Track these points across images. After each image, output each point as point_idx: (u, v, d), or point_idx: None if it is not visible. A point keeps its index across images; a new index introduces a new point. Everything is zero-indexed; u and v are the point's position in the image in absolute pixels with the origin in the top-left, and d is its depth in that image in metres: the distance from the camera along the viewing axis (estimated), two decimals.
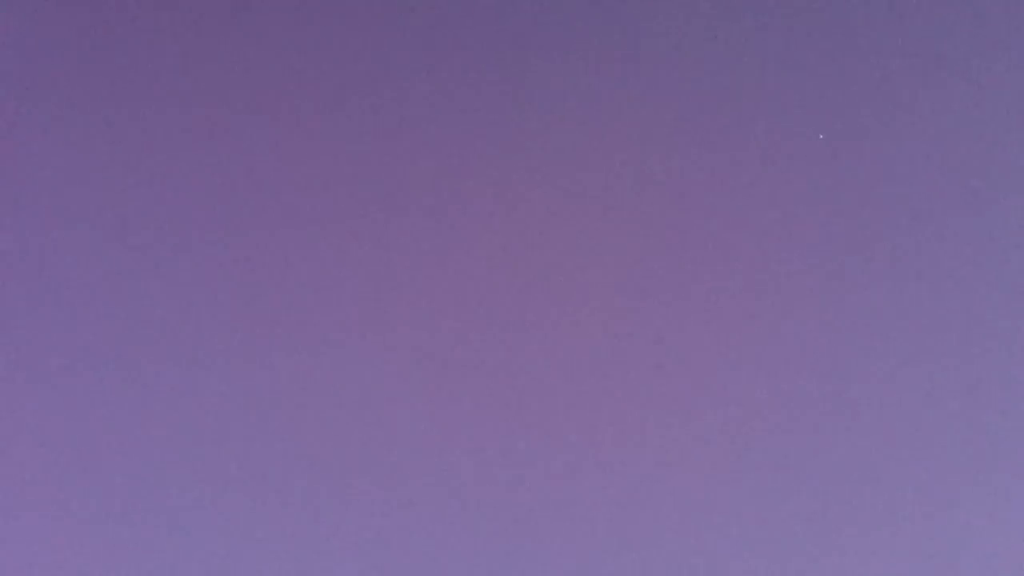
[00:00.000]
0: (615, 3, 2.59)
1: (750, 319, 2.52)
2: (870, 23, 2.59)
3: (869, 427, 2.49)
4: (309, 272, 2.54)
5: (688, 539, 2.47)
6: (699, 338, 2.52)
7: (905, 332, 2.51)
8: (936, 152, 2.56)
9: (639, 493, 2.48)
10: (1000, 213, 2.54)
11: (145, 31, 2.59)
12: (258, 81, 2.59)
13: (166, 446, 2.50)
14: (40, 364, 2.51)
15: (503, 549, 2.47)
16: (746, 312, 2.52)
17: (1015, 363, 2.49)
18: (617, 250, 2.55)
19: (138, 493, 2.49)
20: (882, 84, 2.57)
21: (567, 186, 2.56)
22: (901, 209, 2.55)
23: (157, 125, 2.58)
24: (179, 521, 2.48)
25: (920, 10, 2.59)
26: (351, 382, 2.52)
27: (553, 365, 2.52)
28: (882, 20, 2.59)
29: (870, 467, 2.48)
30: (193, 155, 2.57)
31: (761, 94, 2.58)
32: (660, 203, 2.56)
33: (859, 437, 2.48)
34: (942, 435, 2.48)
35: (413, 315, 2.53)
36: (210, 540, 2.47)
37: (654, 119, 2.57)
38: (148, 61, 2.59)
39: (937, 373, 2.50)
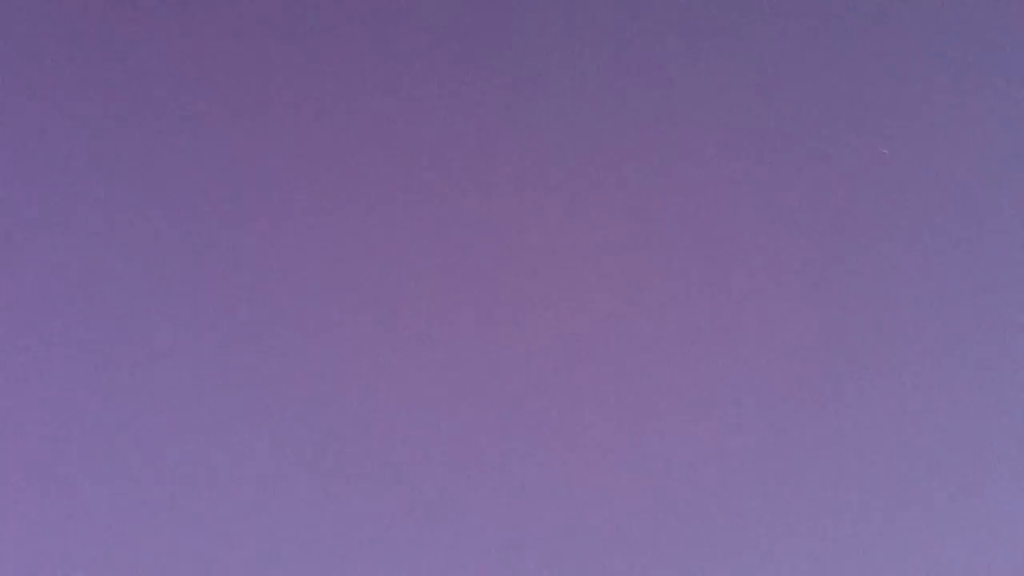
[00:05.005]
0: (615, 3, 2.59)
1: (751, 319, 2.52)
2: (870, 23, 2.59)
3: (870, 429, 2.49)
4: (309, 271, 2.54)
5: (690, 540, 2.47)
6: (700, 338, 2.52)
7: (906, 332, 2.52)
8: (937, 152, 2.56)
9: (639, 494, 2.48)
10: (1000, 213, 2.54)
11: (142, 29, 2.59)
12: (257, 80, 2.58)
13: (166, 444, 2.49)
14: (38, 363, 2.51)
15: (503, 550, 2.47)
16: (747, 312, 2.53)
17: (1015, 363, 2.50)
18: (617, 251, 2.55)
19: (136, 493, 2.48)
20: (883, 84, 2.58)
21: (568, 186, 2.56)
22: (903, 210, 2.55)
23: (157, 124, 2.57)
24: (177, 522, 2.47)
25: (921, 10, 2.59)
26: (350, 382, 2.51)
27: (553, 365, 2.52)
28: (883, 20, 2.59)
29: (872, 468, 2.48)
30: (193, 154, 2.57)
31: (761, 94, 2.58)
32: (660, 203, 2.56)
33: (860, 439, 2.49)
34: (943, 436, 2.48)
35: (414, 315, 2.53)
36: (209, 540, 2.47)
37: (654, 119, 2.58)
38: (146, 59, 2.59)
39: (937, 374, 2.50)
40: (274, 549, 2.47)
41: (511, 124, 2.58)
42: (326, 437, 2.50)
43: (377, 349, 2.53)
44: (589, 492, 2.48)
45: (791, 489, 2.48)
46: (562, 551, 2.47)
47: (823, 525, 2.47)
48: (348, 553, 2.47)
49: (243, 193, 2.56)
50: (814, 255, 2.54)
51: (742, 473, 2.48)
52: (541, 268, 2.55)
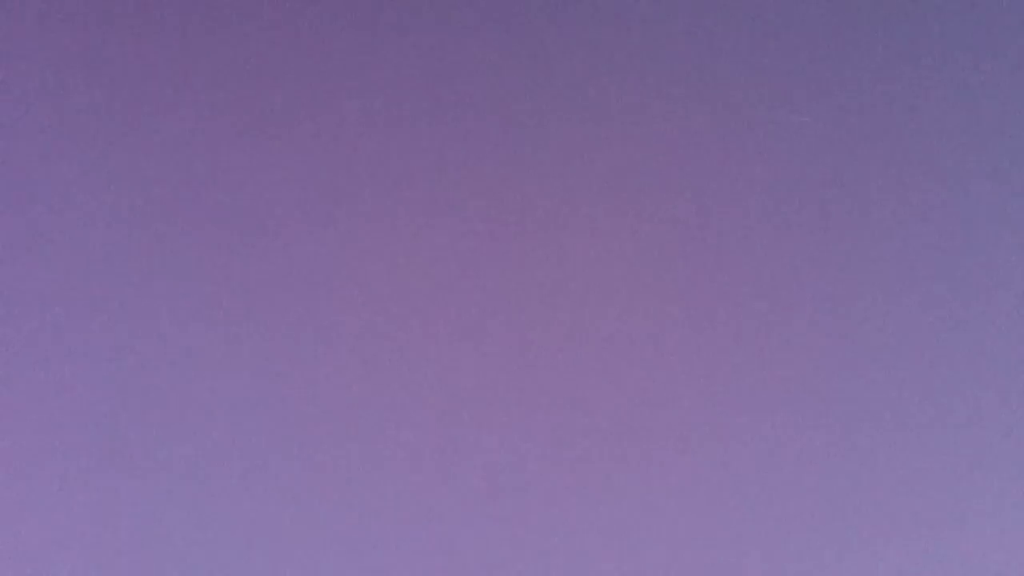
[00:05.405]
0: (615, 3, 2.60)
1: (751, 320, 2.52)
2: (870, 23, 2.59)
3: (871, 431, 2.49)
4: (308, 272, 2.54)
5: (690, 542, 2.47)
6: (701, 339, 2.52)
7: (907, 333, 2.52)
8: (937, 152, 2.56)
9: (639, 496, 2.48)
10: (1000, 214, 2.54)
11: (139, 29, 2.59)
12: (255, 82, 2.59)
13: (165, 448, 2.49)
14: (37, 365, 2.51)
15: (503, 552, 2.47)
16: (747, 313, 2.53)
17: (1015, 364, 2.50)
18: (617, 252, 2.55)
19: (136, 497, 2.49)
20: (884, 84, 2.58)
21: (567, 186, 2.56)
22: (905, 211, 2.55)
23: (154, 126, 2.58)
24: (177, 525, 2.47)
25: (920, 9, 2.59)
26: (350, 383, 2.52)
27: (554, 367, 2.52)
28: (883, 20, 2.59)
29: (872, 471, 2.48)
30: (191, 155, 2.57)
31: (762, 95, 2.58)
32: (661, 204, 2.56)
33: (860, 441, 2.49)
34: (943, 438, 2.48)
35: (414, 316, 2.53)
36: (208, 543, 2.47)
37: (655, 119, 2.58)
38: (144, 60, 2.59)
39: (938, 375, 2.50)
40: (273, 549, 2.47)
41: (511, 125, 2.58)
42: (326, 438, 2.50)
43: (377, 350, 2.53)
44: (589, 493, 2.49)
45: (791, 491, 2.48)
46: (562, 552, 2.47)
47: (824, 527, 2.47)
48: (348, 553, 2.48)
49: (244, 192, 2.56)
50: (815, 256, 2.54)
51: (742, 475, 2.48)
52: (540, 270, 2.55)
